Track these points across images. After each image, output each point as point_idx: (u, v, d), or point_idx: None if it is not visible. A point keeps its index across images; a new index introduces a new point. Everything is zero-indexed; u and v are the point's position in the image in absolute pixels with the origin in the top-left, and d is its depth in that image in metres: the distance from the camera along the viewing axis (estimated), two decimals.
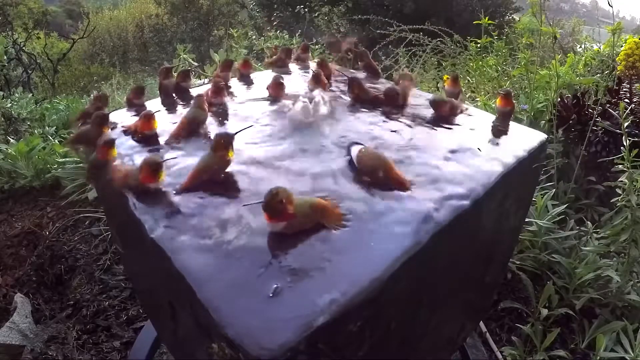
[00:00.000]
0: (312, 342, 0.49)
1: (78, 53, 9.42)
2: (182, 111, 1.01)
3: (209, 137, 0.87)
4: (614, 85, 1.68)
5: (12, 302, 1.54)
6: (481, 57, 2.53)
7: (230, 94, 1.10)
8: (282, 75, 1.10)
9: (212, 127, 0.92)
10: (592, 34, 2.94)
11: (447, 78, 1.17)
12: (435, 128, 0.93)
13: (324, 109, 0.96)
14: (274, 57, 1.39)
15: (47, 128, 2.83)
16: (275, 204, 0.59)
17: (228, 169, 0.75)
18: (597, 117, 1.50)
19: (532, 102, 1.87)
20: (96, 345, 1.44)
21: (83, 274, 1.71)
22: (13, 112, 2.94)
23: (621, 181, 1.11)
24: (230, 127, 0.93)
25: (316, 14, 7.67)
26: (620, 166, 1.10)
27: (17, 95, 3.41)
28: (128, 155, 0.83)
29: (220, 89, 1.01)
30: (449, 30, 2.59)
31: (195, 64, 2.73)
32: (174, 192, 0.71)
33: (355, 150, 0.76)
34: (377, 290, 0.55)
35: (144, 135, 0.88)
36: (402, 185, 0.70)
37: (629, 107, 1.39)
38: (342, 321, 0.52)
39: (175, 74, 1.17)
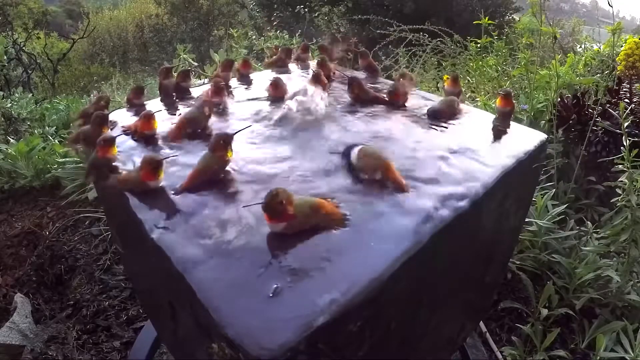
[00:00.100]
0: (312, 342, 0.49)
1: (78, 53, 9.43)
2: (182, 111, 1.01)
3: (209, 137, 0.87)
4: (614, 85, 1.68)
5: (12, 302, 1.54)
6: (481, 57, 2.53)
7: (230, 93, 1.10)
8: (282, 76, 1.10)
9: (212, 127, 0.92)
10: (592, 34, 2.94)
11: (447, 78, 1.17)
12: (435, 128, 0.93)
13: (323, 109, 0.96)
14: (274, 57, 1.39)
15: (47, 128, 2.83)
16: (275, 205, 0.59)
17: (228, 169, 0.75)
18: (597, 117, 1.50)
19: (532, 102, 1.87)
20: (96, 345, 1.44)
21: (83, 274, 1.71)
22: (13, 112, 2.94)
23: (621, 181, 1.11)
24: (230, 127, 0.93)
25: (316, 14, 7.67)
26: (620, 166, 1.10)
27: (17, 95, 3.41)
28: (128, 155, 0.83)
29: (220, 89, 1.01)
30: (449, 30, 2.59)
31: (195, 64, 2.73)
32: (173, 192, 0.71)
33: (355, 151, 0.76)
34: (377, 290, 0.55)
35: (144, 135, 0.88)
36: (400, 187, 0.70)
37: (629, 107, 1.39)
38: (342, 321, 0.52)
39: (175, 74, 1.17)
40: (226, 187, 0.72)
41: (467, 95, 2.29)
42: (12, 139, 2.61)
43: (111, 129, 0.92)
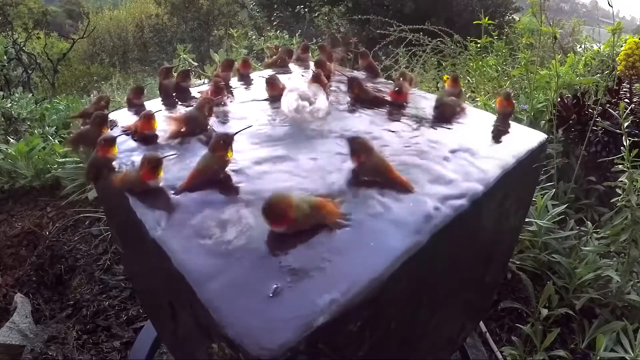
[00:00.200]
0: (312, 342, 0.49)
1: (78, 53, 9.42)
2: (182, 111, 1.01)
3: (210, 137, 0.87)
4: (614, 85, 1.68)
5: (12, 302, 1.54)
6: (481, 57, 2.53)
7: (231, 93, 1.10)
8: (282, 76, 1.10)
9: (212, 127, 0.92)
10: (592, 34, 2.94)
11: (447, 78, 1.17)
12: (435, 128, 0.93)
13: (323, 109, 0.96)
14: (274, 57, 1.39)
15: (47, 128, 2.83)
16: (275, 209, 0.59)
17: (228, 169, 0.75)
18: (597, 117, 1.50)
19: (532, 102, 1.87)
20: (96, 345, 1.44)
21: (83, 274, 1.71)
22: (13, 112, 2.94)
23: (621, 181, 1.11)
24: (230, 127, 0.93)
25: (316, 14, 7.67)
26: (620, 166, 1.10)
27: (17, 95, 3.41)
28: (128, 155, 0.83)
29: (220, 89, 1.01)
30: (449, 30, 2.59)
31: (195, 64, 2.73)
32: (173, 192, 0.71)
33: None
34: (377, 290, 0.55)
35: (144, 135, 0.88)
36: (405, 187, 0.70)
37: (629, 107, 1.39)
38: (342, 321, 0.52)
39: (175, 74, 1.17)
40: (226, 187, 0.72)
41: (467, 95, 2.29)
42: (12, 139, 2.61)
43: (111, 129, 0.93)
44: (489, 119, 0.98)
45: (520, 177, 0.87)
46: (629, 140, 1.09)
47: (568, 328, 1.31)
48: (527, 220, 1.33)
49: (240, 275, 0.56)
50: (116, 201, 0.77)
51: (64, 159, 2.19)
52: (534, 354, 1.21)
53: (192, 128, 0.88)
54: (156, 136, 0.88)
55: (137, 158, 0.80)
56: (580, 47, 3.04)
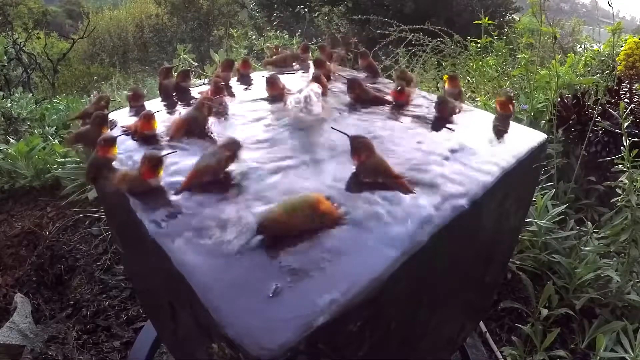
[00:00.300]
0: (312, 342, 0.49)
1: (78, 53, 9.42)
2: (182, 111, 1.01)
3: (210, 137, 0.88)
4: (614, 85, 1.68)
5: (12, 302, 1.54)
6: (481, 57, 2.53)
7: (231, 93, 1.10)
8: (282, 76, 1.10)
9: (211, 127, 0.92)
10: (592, 34, 2.94)
11: (447, 78, 1.17)
12: (435, 128, 0.93)
13: (324, 109, 0.96)
14: (274, 57, 1.39)
15: (47, 128, 2.83)
16: (267, 228, 0.59)
17: (228, 169, 0.75)
18: (597, 117, 1.50)
19: (532, 102, 1.87)
20: (96, 345, 1.44)
21: (83, 274, 1.71)
22: (13, 112, 2.94)
23: (621, 181, 1.11)
24: (230, 127, 0.93)
25: (316, 14, 7.67)
26: (620, 166, 1.10)
27: (17, 95, 3.41)
28: (128, 155, 0.83)
29: (220, 89, 1.01)
30: (449, 30, 2.59)
31: (195, 64, 2.73)
32: (174, 192, 0.71)
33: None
34: (377, 290, 0.55)
35: (144, 136, 0.88)
36: (404, 188, 0.70)
37: (629, 107, 1.39)
38: (342, 321, 0.52)
39: (175, 74, 1.17)
40: (226, 187, 0.72)
41: (467, 95, 2.29)
42: (12, 139, 2.61)
43: (111, 129, 0.93)
44: (489, 119, 0.98)
45: (520, 177, 0.87)
46: (629, 140, 1.09)
47: (568, 328, 1.31)
48: (527, 220, 1.33)
49: (240, 275, 0.56)
50: (116, 201, 0.77)
51: (64, 159, 2.19)
52: (534, 354, 1.21)
53: (192, 128, 0.88)
54: (156, 136, 0.88)
55: (138, 158, 0.80)
56: (580, 47, 3.04)
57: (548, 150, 1.48)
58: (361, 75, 1.24)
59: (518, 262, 1.42)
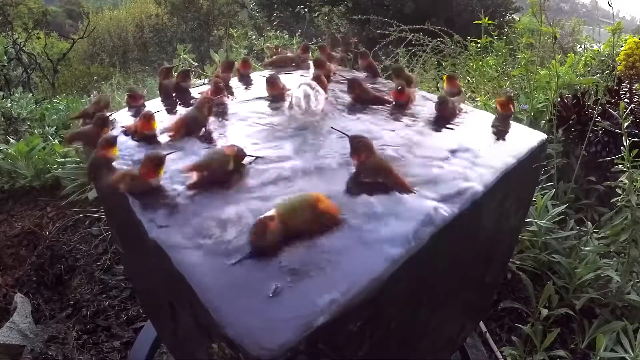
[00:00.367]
0: (312, 342, 0.49)
1: (78, 53, 9.42)
2: (182, 111, 1.01)
3: (209, 137, 0.88)
4: (614, 85, 1.68)
5: (12, 302, 1.54)
6: (481, 57, 2.53)
7: (231, 94, 1.10)
8: (281, 76, 1.10)
9: (211, 127, 0.92)
10: (592, 34, 2.94)
11: (446, 78, 1.17)
12: (435, 128, 0.93)
13: (324, 109, 0.96)
14: (275, 57, 1.39)
15: (47, 128, 2.83)
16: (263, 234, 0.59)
17: (228, 169, 0.75)
18: (597, 117, 1.50)
19: (532, 102, 1.87)
20: (96, 345, 1.44)
21: (83, 274, 1.71)
22: (13, 112, 2.94)
23: (621, 181, 1.11)
24: (231, 127, 0.93)
25: (316, 14, 7.67)
26: (620, 166, 1.10)
27: (17, 95, 3.41)
28: (128, 155, 0.83)
29: (220, 90, 1.01)
30: (449, 30, 2.59)
31: (195, 64, 2.73)
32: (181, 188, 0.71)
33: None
34: (377, 290, 0.55)
35: (144, 136, 0.88)
36: (405, 189, 0.70)
37: (629, 107, 1.39)
38: (342, 321, 0.52)
39: (175, 74, 1.17)
40: (226, 187, 0.72)
41: (467, 95, 2.29)
42: (12, 139, 2.61)
43: (111, 129, 0.93)
44: (489, 119, 0.98)
45: (520, 177, 0.87)
46: (629, 140, 1.09)
47: (568, 328, 1.31)
48: (527, 220, 1.33)
49: (240, 275, 0.56)
50: (116, 201, 0.77)
51: (64, 159, 2.19)
52: (534, 354, 1.21)
53: (192, 128, 0.88)
54: (156, 136, 0.88)
55: (138, 158, 0.80)
56: (580, 47, 3.04)
57: (548, 150, 1.48)
58: (361, 75, 1.24)
59: (518, 262, 1.42)
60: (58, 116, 3.07)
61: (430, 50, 2.58)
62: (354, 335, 0.56)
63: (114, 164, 0.81)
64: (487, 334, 1.33)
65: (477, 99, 2.18)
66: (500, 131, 0.93)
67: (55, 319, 1.54)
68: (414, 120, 0.95)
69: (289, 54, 1.41)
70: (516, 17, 7.86)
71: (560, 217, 1.41)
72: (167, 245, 0.61)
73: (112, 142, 0.81)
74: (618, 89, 1.65)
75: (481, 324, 1.34)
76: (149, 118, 0.87)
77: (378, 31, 2.79)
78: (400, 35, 2.59)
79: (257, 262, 0.57)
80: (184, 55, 2.60)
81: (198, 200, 0.69)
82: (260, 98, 1.07)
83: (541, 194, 1.42)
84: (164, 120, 0.93)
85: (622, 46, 1.80)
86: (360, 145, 0.73)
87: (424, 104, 1.04)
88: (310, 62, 1.35)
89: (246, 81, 1.21)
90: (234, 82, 1.20)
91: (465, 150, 0.83)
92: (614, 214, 1.38)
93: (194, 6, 9.81)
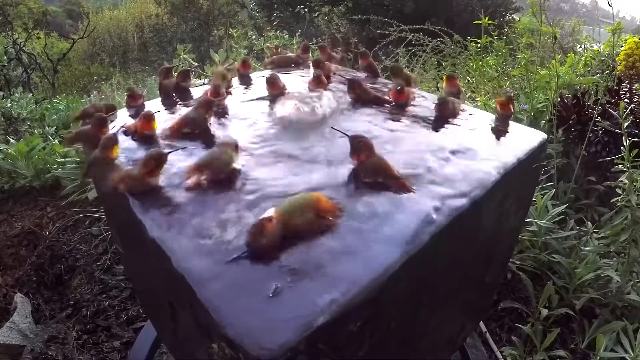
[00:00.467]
0: (312, 342, 0.49)
1: (78, 53, 9.41)
2: (182, 111, 1.01)
3: (209, 137, 0.88)
4: (614, 85, 1.68)
5: (12, 302, 1.54)
6: (481, 57, 2.53)
7: (230, 94, 1.10)
8: (281, 76, 1.10)
9: (211, 127, 0.92)
10: (592, 34, 2.94)
11: (445, 78, 1.16)
12: (435, 128, 0.93)
13: (324, 109, 0.96)
14: (275, 57, 1.39)
15: (47, 128, 2.83)
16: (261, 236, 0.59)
17: (228, 169, 0.75)
18: (597, 117, 1.50)
19: (532, 102, 1.87)
20: (96, 345, 1.44)
21: (83, 274, 1.71)
22: (13, 112, 2.94)
23: (621, 181, 1.11)
24: (231, 127, 0.93)
25: (316, 14, 7.67)
26: (620, 166, 1.10)
27: (17, 95, 3.41)
28: (128, 155, 0.83)
29: (220, 92, 1.01)
30: (449, 30, 2.59)
31: (195, 64, 2.73)
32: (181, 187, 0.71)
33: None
34: (377, 290, 0.55)
35: (144, 136, 0.88)
36: (404, 188, 0.70)
37: (629, 107, 1.39)
38: (342, 321, 0.52)
39: (175, 74, 1.17)
40: (226, 187, 0.72)
41: (467, 95, 2.29)
42: (12, 139, 2.61)
43: (111, 130, 0.92)
44: (489, 119, 0.98)
45: (520, 177, 0.87)
46: (629, 140, 1.09)
47: (568, 328, 1.31)
48: (527, 220, 1.33)
49: (240, 275, 0.56)
50: (116, 201, 0.77)
51: (64, 159, 2.19)
52: (534, 354, 1.21)
53: (192, 128, 0.88)
54: (156, 136, 0.88)
55: (138, 158, 0.80)
56: (580, 47, 3.04)
57: (548, 150, 1.48)
58: (361, 75, 1.24)
59: (518, 262, 1.42)
60: (58, 116, 3.07)
61: (430, 50, 2.58)
62: (354, 335, 0.56)
63: (114, 163, 0.81)
64: (487, 334, 1.33)
65: (477, 99, 2.18)
66: (500, 131, 0.93)
67: (55, 319, 1.54)
68: (414, 121, 0.95)
69: (289, 54, 1.41)
70: (516, 17, 7.86)
71: (560, 217, 1.41)
72: (167, 245, 0.61)
73: (114, 142, 0.81)
74: (618, 89, 1.65)
75: (481, 324, 1.34)
76: (149, 118, 0.87)
77: (378, 31, 2.79)
78: (400, 35, 2.59)
79: (257, 262, 0.57)
80: (184, 55, 2.60)
81: (198, 200, 0.69)
82: (260, 98, 1.07)
83: (541, 194, 1.42)
84: (164, 120, 0.93)
85: (622, 46, 1.80)
86: (360, 145, 0.73)
87: (424, 104, 1.04)
88: (310, 62, 1.35)
89: (246, 81, 1.21)
90: (234, 82, 1.20)
91: (465, 150, 0.83)
92: (614, 214, 1.38)
93: (194, 6, 9.81)
